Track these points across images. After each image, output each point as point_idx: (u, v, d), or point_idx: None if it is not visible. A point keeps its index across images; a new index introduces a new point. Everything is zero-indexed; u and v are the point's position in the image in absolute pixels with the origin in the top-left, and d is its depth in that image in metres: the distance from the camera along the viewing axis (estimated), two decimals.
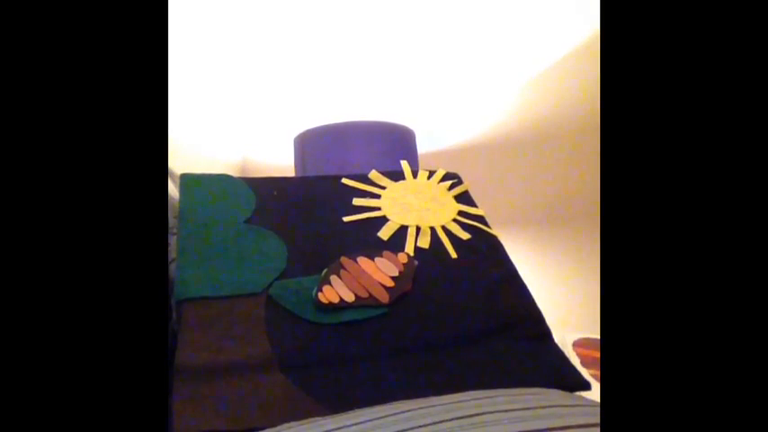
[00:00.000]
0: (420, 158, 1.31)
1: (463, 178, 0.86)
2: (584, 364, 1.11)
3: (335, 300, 0.60)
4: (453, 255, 0.70)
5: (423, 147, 1.40)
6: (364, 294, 0.61)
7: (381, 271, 0.64)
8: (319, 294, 0.60)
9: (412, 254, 0.69)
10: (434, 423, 0.37)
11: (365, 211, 0.75)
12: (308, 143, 1.22)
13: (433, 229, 0.74)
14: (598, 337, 1.12)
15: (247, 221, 0.69)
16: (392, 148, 1.20)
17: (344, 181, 0.80)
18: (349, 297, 0.60)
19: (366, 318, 0.59)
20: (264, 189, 0.76)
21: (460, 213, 0.78)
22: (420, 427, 0.37)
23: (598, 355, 1.13)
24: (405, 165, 0.86)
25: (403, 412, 0.40)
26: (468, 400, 0.42)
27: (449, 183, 0.83)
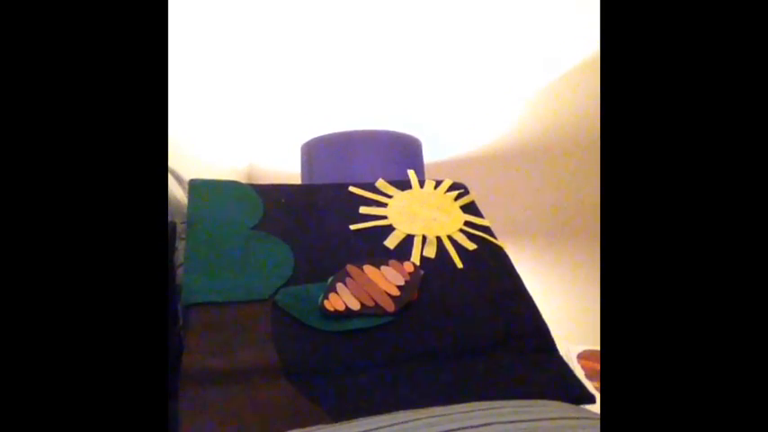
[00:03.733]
0: (426, 167, 1.32)
1: (469, 188, 0.86)
2: (588, 376, 1.11)
3: (341, 308, 0.60)
4: (459, 265, 0.70)
5: (429, 156, 1.40)
6: (370, 303, 0.61)
7: (387, 280, 0.64)
8: (325, 302, 0.60)
9: (418, 263, 0.69)
10: None
11: (372, 220, 0.75)
12: (315, 151, 1.23)
13: (439, 239, 0.74)
14: None
15: (255, 228, 0.69)
16: (399, 157, 1.21)
17: (351, 189, 0.80)
18: (354, 305, 0.60)
19: (371, 326, 0.60)
20: (272, 196, 0.76)
21: (467, 224, 0.78)
22: None
23: None
24: (411, 174, 0.86)
25: (407, 422, 0.40)
26: (473, 411, 0.42)
27: (455, 193, 0.83)
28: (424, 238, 0.73)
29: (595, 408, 0.52)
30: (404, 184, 0.84)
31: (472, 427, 0.38)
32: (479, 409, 0.42)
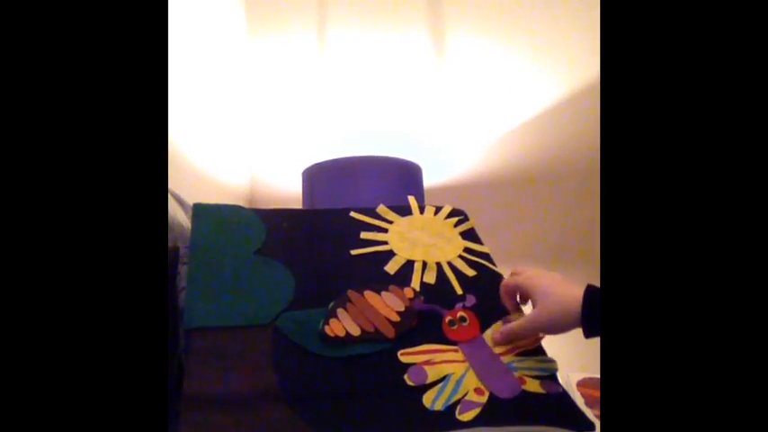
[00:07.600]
0: (426, 192, 1.33)
1: (468, 215, 0.87)
2: (587, 403, 1.10)
3: (342, 333, 0.60)
4: (459, 291, 0.71)
5: (428, 181, 1.41)
6: (370, 329, 0.62)
7: (388, 305, 0.65)
8: (326, 327, 0.60)
9: (418, 289, 0.69)
10: None
11: (372, 245, 0.76)
12: (316, 177, 1.24)
13: (439, 265, 0.74)
14: None
15: (257, 253, 0.70)
16: (399, 182, 1.22)
17: (353, 214, 0.81)
18: (355, 331, 0.61)
19: (372, 352, 0.60)
20: (274, 220, 0.77)
21: (466, 250, 0.79)
22: None
23: None
24: (412, 200, 0.87)
25: None
26: None
27: (455, 219, 0.84)
28: (425, 263, 0.74)
29: None
30: (404, 210, 0.84)
31: None
32: None
